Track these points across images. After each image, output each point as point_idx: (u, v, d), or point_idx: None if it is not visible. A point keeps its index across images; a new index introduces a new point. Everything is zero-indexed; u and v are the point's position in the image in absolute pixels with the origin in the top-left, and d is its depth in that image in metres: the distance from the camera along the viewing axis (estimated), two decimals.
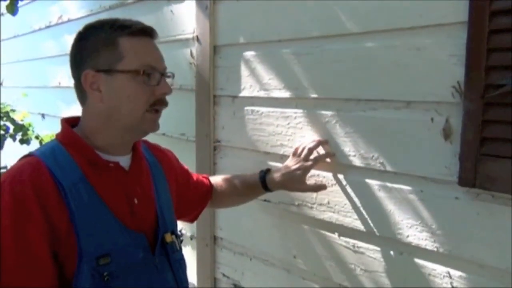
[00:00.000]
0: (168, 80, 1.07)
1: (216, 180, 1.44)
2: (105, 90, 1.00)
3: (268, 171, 1.35)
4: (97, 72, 0.99)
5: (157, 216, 1.10)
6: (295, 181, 1.29)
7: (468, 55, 0.99)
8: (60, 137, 1.03)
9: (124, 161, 1.07)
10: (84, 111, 1.05)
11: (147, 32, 1.03)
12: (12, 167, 0.96)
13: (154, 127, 1.06)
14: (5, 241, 0.87)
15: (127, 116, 1.01)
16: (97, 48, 1.00)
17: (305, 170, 1.29)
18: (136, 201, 1.05)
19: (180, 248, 1.14)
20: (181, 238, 1.17)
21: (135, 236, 1.01)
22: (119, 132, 1.03)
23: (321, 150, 1.31)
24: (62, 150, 0.99)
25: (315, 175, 1.35)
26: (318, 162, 1.30)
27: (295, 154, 1.33)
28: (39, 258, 0.89)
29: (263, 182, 1.33)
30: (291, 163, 1.31)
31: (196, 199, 1.37)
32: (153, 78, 1.01)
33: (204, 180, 1.41)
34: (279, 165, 1.45)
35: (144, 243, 1.03)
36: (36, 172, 0.93)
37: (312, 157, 1.30)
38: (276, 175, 1.32)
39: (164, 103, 1.05)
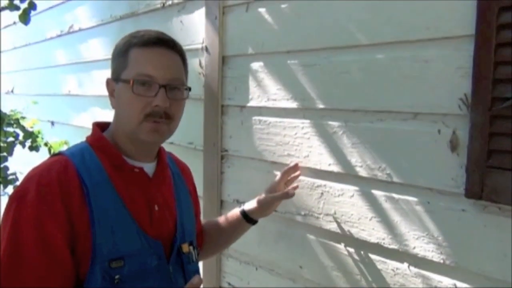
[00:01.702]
0: (178, 92, 1.05)
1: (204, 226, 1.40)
2: (115, 97, 1.06)
3: (244, 204, 1.36)
4: (113, 80, 1.06)
5: (176, 225, 1.10)
6: (267, 192, 1.32)
7: (475, 67, 0.99)
8: (90, 140, 1.07)
9: (149, 167, 1.08)
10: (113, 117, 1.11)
11: (161, 43, 1.03)
12: (42, 164, 1.00)
13: (152, 137, 1.02)
14: (26, 232, 0.90)
15: (125, 124, 1.04)
16: (115, 58, 1.06)
17: (276, 183, 1.34)
18: (156, 208, 1.06)
19: (197, 260, 1.15)
20: (197, 251, 1.17)
21: (152, 243, 1.02)
22: (128, 139, 1.05)
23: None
24: (90, 152, 1.02)
25: (321, 186, 1.35)
26: (286, 173, 1.36)
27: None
28: (57, 251, 0.91)
29: (245, 216, 1.32)
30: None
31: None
32: (151, 89, 1.00)
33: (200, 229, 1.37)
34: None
35: (160, 251, 1.03)
36: (64, 170, 0.96)
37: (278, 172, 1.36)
38: (252, 201, 1.33)
39: (161, 115, 1.01)
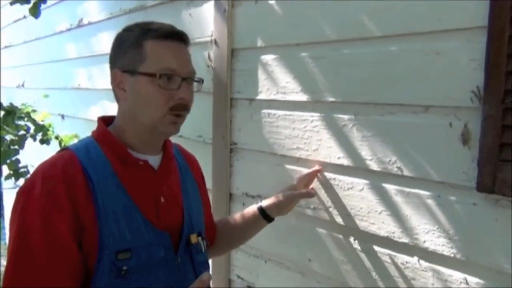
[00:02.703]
0: (195, 85, 1.08)
1: (219, 223, 1.39)
2: (129, 90, 1.04)
3: (261, 201, 1.36)
4: (123, 72, 1.03)
5: (183, 217, 1.11)
6: (287, 190, 1.32)
7: (487, 60, 0.98)
8: (95, 134, 1.08)
9: (154, 160, 1.09)
10: (117, 111, 1.10)
11: (176, 36, 1.04)
12: (48, 159, 1.01)
13: (172, 130, 1.06)
14: (33, 226, 0.91)
15: (145, 117, 1.03)
16: (126, 49, 1.04)
17: (294, 187, 1.34)
18: (162, 200, 1.07)
19: (205, 251, 1.15)
20: (206, 242, 1.17)
21: (159, 234, 1.03)
22: (140, 132, 1.06)
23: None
24: (95, 147, 1.03)
25: (331, 179, 1.35)
26: (307, 176, 1.36)
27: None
28: (64, 244, 0.92)
29: (262, 212, 1.31)
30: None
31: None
32: (173, 82, 1.02)
33: (213, 224, 1.37)
34: (295, 168, 1.45)
35: (167, 242, 1.04)
36: (69, 165, 0.97)
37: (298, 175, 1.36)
38: (270, 198, 1.32)
39: (184, 108, 1.04)
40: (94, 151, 1.02)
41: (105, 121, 1.10)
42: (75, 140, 2.67)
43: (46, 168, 0.97)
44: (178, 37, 1.04)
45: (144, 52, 1.01)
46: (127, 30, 1.06)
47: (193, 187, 1.21)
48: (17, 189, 1.00)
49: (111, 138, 1.05)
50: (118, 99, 1.08)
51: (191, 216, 1.13)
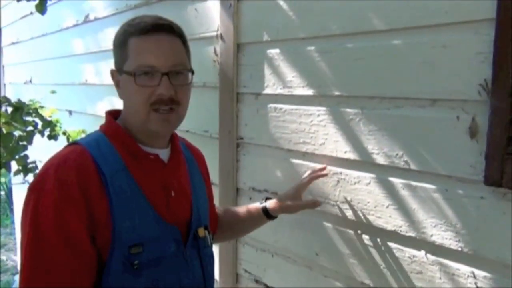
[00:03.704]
0: (181, 77, 1.04)
1: (222, 213, 1.43)
2: (121, 88, 1.07)
3: (267, 199, 1.37)
4: (116, 71, 1.07)
5: (191, 210, 1.11)
6: (291, 198, 1.32)
7: (496, 52, 0.97)
8: (104, 129, 1.07)
9: (164, 154, 1.09)
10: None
11: (158, 29, 1.01)
12: (58, 154, 1.01)
13: (162, 127, 1.03)
14: (46, 221, 0.91)
15: (134, 115, 1.04)
16: (116, 48, 1.06)
17: (301, 186, 1.33)
18: (173, 193, 1.07)
19: (211, 244, 1.16)
20: (212, 235, 1.19)
21: (169, 228, 1.03)
22: (137, 128, 1.06)
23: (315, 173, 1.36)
24: (105, 141, 1.03)
25: (338, 173, 1.35)
26: (314, 178, 1.34)
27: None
28: (77, 238, 0.93)
29: (265, 211, 1.33)
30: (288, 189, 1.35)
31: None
32: (153, 78, 1.00)
33: (215, 215, 1.39)
34: (301, 162, 1.45)
35: (177, 236, 1.05)
36: (81, 159, 0.97)
37: (307, 174, 1.35)
38: (275, 200, 1.34)
39: (165, 103, 1.01)
40: (104, 146, 1.02)
41: (112, 115, 1.11)
42: (83, 135, 2.68)
43: (59, 163, 0.96)
44: (160, 29, 1.01)
45: (127, 50, 1.02)
46: (120, 28, 1.07)
47: (200, 181, 1.21)
48: (26, 184, 1.01)
49: (120, 132, 1.05)
50: (120, 97, 1.10)
51: (198, 210, 1.14)
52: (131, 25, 1.03)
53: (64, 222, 0.92)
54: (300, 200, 1.33)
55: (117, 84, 1.07)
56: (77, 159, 0.97)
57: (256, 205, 1.35)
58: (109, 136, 1.04)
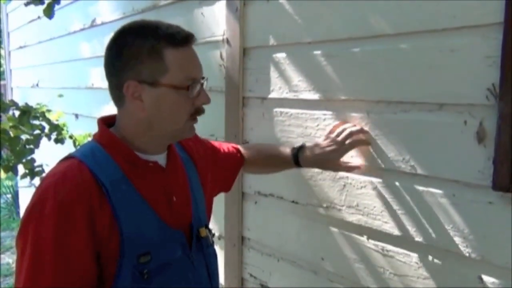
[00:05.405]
0: (204, 84, 1.06)
1: (249, 150, 1.44)
2: (148, 101, 0.99)
3: (301, 148, 1.33)
4: (140, 83, 0.98)
5: (192, 212, 1.11)
6: (330, 162, 1.29)
7: (504, 56, 0.96)
8: (98, 138, 1.04)
9: (161, 159, 1.08)
10: (121, 114, 1.05)
11: (191, 40, 1.03)
12: (54, 171, 0.97)
13: (192, 133, 1.09)
14: (46, 248, 0.89)
15: (169, 126, 1.03)
16: (141, 58, 0.97)
17: (341, 153, 1.28)
18: (174, 198, 1.07)
19: (213, 242, 1.16)
20: (212, 233, 1.18)
21: (174, 233, 1.03)
22: (159, 138, 1.05)
23: (359, 137, 1.28)
24: (101, 151, 1.00)
25: (344, 177, 1.34)
26: (355, 147, 1.29)
27: (331, 132, 1.32)
28: (79, 265, 0.91)
29: (296, 159, 1.33)
30: (326, 143, 1.29)
31: (228, 173, 1.39)
32: (194, 89, 1.01)
33: (234, 151, 1.40)
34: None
35: (183, 240, 1.05)
36: (79, 175, 0.94)
37: (349, 141, 1.27)
38: (310, 154, 1.30)
39: (203, 111, 1.06)
40: (100, 156, 0.99)
41: (105, 122, 1.07)
42: (89, 139, 2.69)
43: (56, 183, 0.93)
44: (192, 40, 1.04)
45: (165, 62, 0.97)
46: (134, 35, 1.00)
47: (196, 179, 1.19)
48: (32, 188, 1.00)
49: (116, 141, 1.02)
50: (124, 105, 1.02)
51: (198, 210, 1.13)
52: (162, 35, 0.98)
53: (65, 248, 0.90)
54: (338, 164, 1.30)
55: (133, 95, 0.99)
56: (75, 176, 0.94)
57: (287, 151, 1.36)
58: (104, 146, 1.01)
